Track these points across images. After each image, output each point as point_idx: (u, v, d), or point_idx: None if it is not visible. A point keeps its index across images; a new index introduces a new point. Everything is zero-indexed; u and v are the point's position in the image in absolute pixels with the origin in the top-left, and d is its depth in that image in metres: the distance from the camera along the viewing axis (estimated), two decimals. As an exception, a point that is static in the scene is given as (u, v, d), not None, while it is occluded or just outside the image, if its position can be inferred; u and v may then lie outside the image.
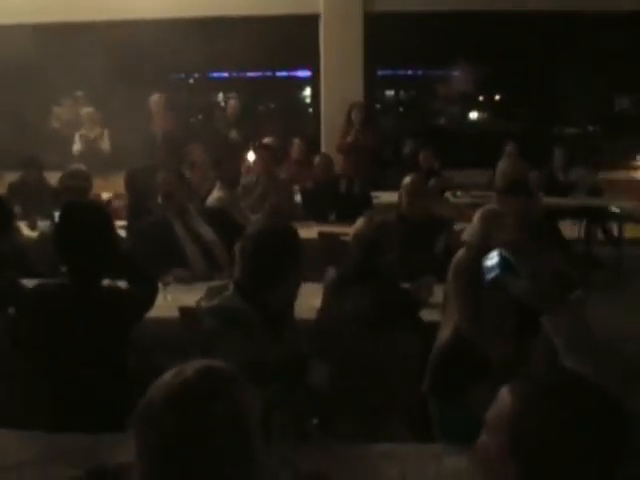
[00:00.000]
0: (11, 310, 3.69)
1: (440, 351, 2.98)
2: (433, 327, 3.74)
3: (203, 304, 3.60)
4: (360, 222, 3.93)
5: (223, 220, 5.56)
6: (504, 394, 1.64)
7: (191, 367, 1.65)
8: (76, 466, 2.56)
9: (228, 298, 3.04)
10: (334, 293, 3.85)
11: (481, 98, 12.42)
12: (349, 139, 9.58)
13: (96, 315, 3.15)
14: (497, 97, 12.53)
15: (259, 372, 2.93)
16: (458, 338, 2.95)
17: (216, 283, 4.39)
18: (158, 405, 1.60)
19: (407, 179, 5.77)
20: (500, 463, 1.60)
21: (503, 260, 2.19)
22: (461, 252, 3.05)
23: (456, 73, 11.88)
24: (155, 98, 9.88)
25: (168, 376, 1.65)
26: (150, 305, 3.46)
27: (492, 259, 2.22)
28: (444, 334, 3.02)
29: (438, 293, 4.34)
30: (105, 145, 9.72)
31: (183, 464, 1.57)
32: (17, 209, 6.42)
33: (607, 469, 1.57)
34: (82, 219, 3.32)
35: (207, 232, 5.33)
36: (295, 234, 3.14)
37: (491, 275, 2.20)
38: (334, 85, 10.31)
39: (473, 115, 12.45)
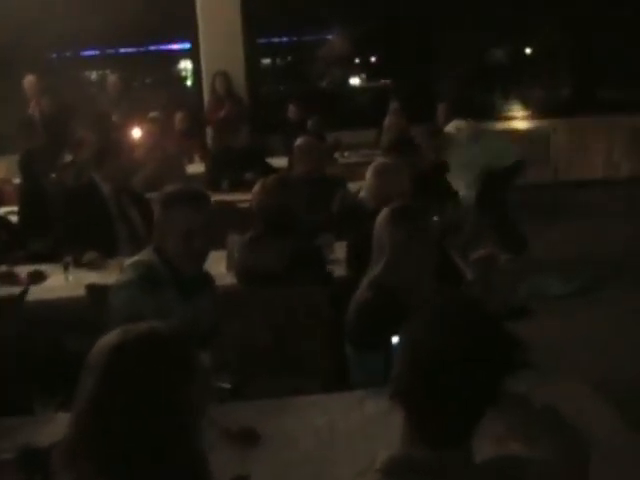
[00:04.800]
0: None
1: (358, 303, 3.08)
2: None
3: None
4: (261, 186, 3.98)
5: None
6: None
7: (134, 328, 1.69)
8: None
9: (145, 254, 3.17)
10: (247, 254, 3.94)
11: (358, 60, 12.56)
12: (221, 113, 9.53)
13: None
14: (373, 58, 12.70)
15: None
16: (377, 290, 3.05)
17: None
18: (100, 356, 1.65)
19: (298, 142, 5.83)
20: None
21: None
22: (384, 211, 3.14)
23: (332, 37, 11.97)
24: (29, 79, 9.55)
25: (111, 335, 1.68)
26: None
27: None
28: (363, 286, 3.11)
29: (337, 250, 4.56)
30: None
31: (114, 415, 1.60)
32: None
33: None
34: None
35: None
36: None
37: None
38: (214, 56, 10.16)
39: (354, 77, 12.57)
